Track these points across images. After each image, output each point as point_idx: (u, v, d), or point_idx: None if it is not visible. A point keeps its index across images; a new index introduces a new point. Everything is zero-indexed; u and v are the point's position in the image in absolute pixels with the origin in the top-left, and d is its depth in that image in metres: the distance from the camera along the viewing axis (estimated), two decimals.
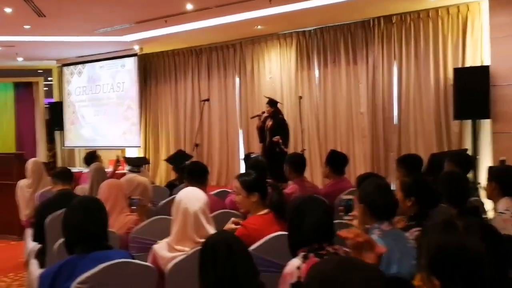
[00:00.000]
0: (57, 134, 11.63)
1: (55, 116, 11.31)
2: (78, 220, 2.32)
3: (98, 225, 2.36)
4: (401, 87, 7.73)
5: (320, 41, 8.52)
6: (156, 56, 10.47)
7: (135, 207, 3.46)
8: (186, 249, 2.48)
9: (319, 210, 2.21)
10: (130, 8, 7.00)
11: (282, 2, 6.91)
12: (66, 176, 4.14)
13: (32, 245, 4.11)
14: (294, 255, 2.18)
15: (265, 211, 2.97)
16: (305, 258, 2.07)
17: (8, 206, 7.02)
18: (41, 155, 11.84)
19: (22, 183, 5.77)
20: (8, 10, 6.65)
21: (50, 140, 11.95)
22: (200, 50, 9.89)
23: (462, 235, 1.31)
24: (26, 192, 5.70)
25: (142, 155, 10.25)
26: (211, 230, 2.51)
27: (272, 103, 7.60)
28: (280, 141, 7.09)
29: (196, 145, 7.97)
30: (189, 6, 6.93)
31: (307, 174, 8.03)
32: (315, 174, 8.39)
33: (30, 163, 5.82)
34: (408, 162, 4.09)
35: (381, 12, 7.69)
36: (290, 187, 4.39)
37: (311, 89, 8.62)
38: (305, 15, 7.59)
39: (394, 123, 7.79)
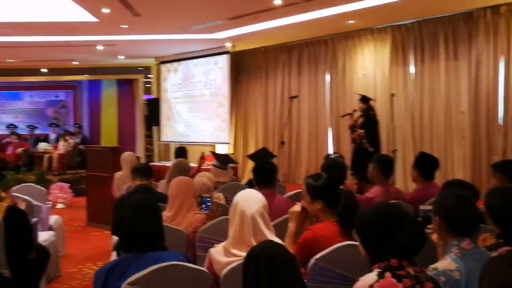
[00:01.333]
0: (154, 129, 12.13)
1: (153, 112, 11.81)
2: (133, 220, 2.28)
3: (153, 225, 2.31)
4: (508, 84, 6.99)
5: (418, 35, 7.99)
6: (248, 53, 10.50)
7: (204, 206, 3.39)
8: (243, 254, 2.33)
9: (411, 227, 1.87)
10: (222, 4, 7.02)
11: None
12: (144, 171, 4.20)
13: (116, 238, 4.24)
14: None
15: (335, 218, 2.74)
16: (380, 276, 1.80)
17: (103, 197, 7.43)
18: (140, 149, 12.46)
19: (118, 174, 5.99)
20: (106, 10, 6.98)
21: (148, 135, 12.51)
22: (291, 47, 9.75)
23: None
24: (121, 183, 5.91)
25: (231, 151, 10.34)
26: (270, 235, 2.35)
27: (364, 99, 7.28)
28: (363, 135, 6.77)
29: (282, 142, 7.83)
30: (277, 2, 6.80)
31: (399, 177, 7.63)
32: (409, 178, 7.87)
33: (124, 156, 6.06)
34: (509, 168, 3.60)
35: (487, 2, 7.00)
36: (372, 191, 4.09)
37: (406, 86, 8.11)
38: (401, 7, 7.14)
39: (499, 123, 7.07)
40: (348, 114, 7.55)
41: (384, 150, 7.82)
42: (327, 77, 9.24)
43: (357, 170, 6.88)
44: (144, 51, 10.65)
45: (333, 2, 6.93)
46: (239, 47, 10.19)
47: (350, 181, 5.74)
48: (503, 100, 7.05)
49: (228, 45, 9.89)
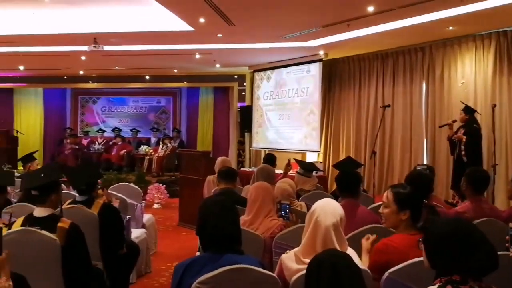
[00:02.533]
0: (246, 135, 12.39)
1: (246, 119, 12.08)
2: (211, 222, 2.36)
3: (230, 227, 2.37)
4: None
5: None
6: (341, 61, 10.39)
7: (283, 212, 3.41)
8: None
9: (483, 248, 1.75)
10: (314, 12, 7.02)
11: None
12: (228, 175, 4.32)
13: None
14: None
15: (414, 232, 2.62)
16: None
17: (194, 198, 7.73)
18: (232, 154, 12.79)
19: (210, 177, 6.18)
20: (202, 20, 7.28)
21: (240, 141, 12.81)
22: (386, 54, 9.49)
23: None
24: (212, 186, 6.09)
25: (321, 160, 10.27)
26: (340, 249, 2.30)
27: (468, 110, 6.94)
28: (464, 139, 6.58)
29: (374, 152, 7.63)
30: (371, 9, 6.67)
31: (499, 193, 7.11)
32: None
33: (219, 160, 6.25)
34: None
35: None
36: (463, 206, 3.87)
37: (511, 96, 7.54)
38: (507, 12, 6.67)
39: None
40: (447, 124, 7.27)
41: (484, 164, 7.36)
42: (424, 86, 8.86)
43: (457, 184, 6.56)
44: (238, 59, 10.95)
45: (432, 8, 6.64)
46: (331, 55, 10.12)
47: (440, 195, 5.48)
48: None
49: (321, 53, 9.86)
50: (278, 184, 4.09)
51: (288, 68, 10.84)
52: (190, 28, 7.85)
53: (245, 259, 2.32)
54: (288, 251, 2.50)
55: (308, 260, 2.33)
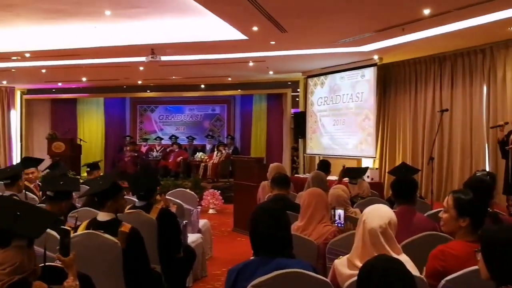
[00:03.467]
0: (300, 141, 12.38)
1: (299, 125, 12.07)
2: (262, 226, 2.41)
3: (280, 233, 2.41)
4: None
5: None
6: (396, 66, 10.20)
7: (337, 219, 3.40)
8: None
9: None
10: (368, 17, 6.96)
11: None
12: (281, 181, 4.36)
13: None
14: None
15: (473, 239, 2.55)
16: None
17: (248, 204, 7.81)
18: (286, 160, 12.81)
19: (265, 183, 6.26)
20: (255, 28, 7.38)
21: (295, 148, 12.81)
22: (444, 57, 9.23)
23: None
24: (266, 192, 6.15)
25: (377, 166, 10.10)
26: (392, 252, 2.28)
27: None
28: None
29: (431, 158, 7.44)
30: (427, 11, 6.52)
31: None
32: None
33: (272, 166, 6.32)
34: None
35: None
36: None
37: None
38: None
39: None
40: (499, 126, 7.02)
41: None
42: (484, 88, 8.55)
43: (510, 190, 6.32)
44: (291, 66, 10.98)
45: (492, 8, 6.41)
46: (386, 59, 9.95)
47: (502, 202, 5.27)
48: None
49: (375, 57, 9.73)
50: (332, 190, 4.08)
51: (342, 73, 10.76)
52: (243, 37, 7.98)
53: (296, 263, 2.35)
54: (341, 256, 2.51)
55: (359, 264, 2.34)
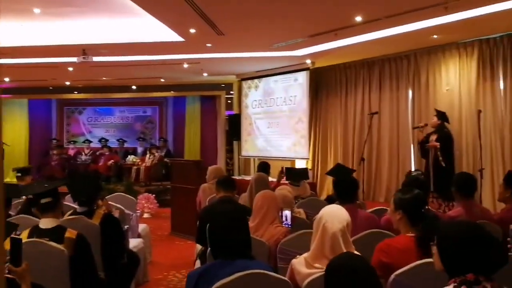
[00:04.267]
0: (235, 144, 12.46)
1: (234, 127, 12.15)
2: (222, 228, 2.43)
3: (240, 235, 2.44)
4: None
5: (508, 49, 7.65)
6: (328, 70, 10.55)
7: (285, 219, 3.49)
8: (324, 267, 2.40)
9: (493, 246, 1.89)
10: (302, 22, 7.15)
11: (460, 8, 6.36)
12: (227, 184, 4.39)
13: (199, 246, 4.46)
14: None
15: (413, 233, 2.74)
16: None
17: (186, 207, 7.77)
18: (221, 163, 12.83)
19: (206, 186, 6.22)
20: (192, 30, 7.36)
21: (229, 150, 12.87)
22: (372, 62, 9.69)
23: None
24: (207, 195, 6.13)
25: (310, 167, 10.39)
26: None
27: (441, 116, 7.21)
28: (438, 146, 6.99)
29: (362, 159, 7.79)
30: (358, 18, 6.83)
31: (487, 197, 7.30)
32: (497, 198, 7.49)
33: (211, 169, 6.31)
34: None
35: None
36: (455, 210, 4.00)
37: (495, 102, 7.77)
38: (489, 21, 6.89)
39: None
40: (420, 127, 7.57)
41: (470, 169, 7.58)
42: (410, 92, 9.07)
43: (438, 187, 6.79)
44: (226, 68, 11.04)
45: (417, 17, 6.82)
46: (318, 64, 10.28)
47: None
48: None
49: (308, 61, 10.01)
50: (279, 191, 4.17)
51: (276, 76, 10.97)
52: (180, 39, 7.93)
53: (257, 264, 2.40)
54: (298, 256, 2.59)
55: (318, 265, 2.43)
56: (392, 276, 2.47)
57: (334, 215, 2.52)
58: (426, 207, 3.23)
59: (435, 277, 2.17)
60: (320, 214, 2.56)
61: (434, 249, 1.98)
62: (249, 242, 2.47)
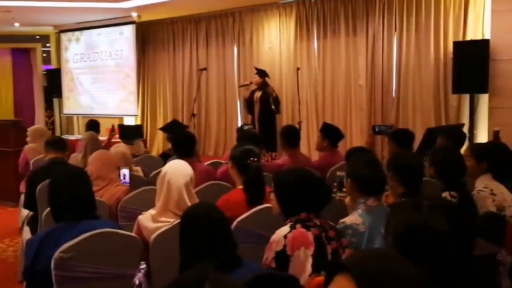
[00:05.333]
0: (55, 101, 11.58)
1: (53, 83, 11.24)
2: (65, 189, 2.33)
3: (84, 194, 2.38)
4: (400, 60, 7.62)
5: (321, 11, 8.37)
6: (155, 24, 10.32)
7: (123, 179, 3.45)
8: (170, 220, 2.49)
9: (321, 188, 2.19)
10: None
11: None
12: (58, 144, 4.14)
13: (25, 212, 4.16)
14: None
15: (241, 187, 2.96)
16: (292, 227, 2.10)
17: (5, 172, 7.09)
18: (40, 122, 11.82)
19: (29, 147, 5.70)
20: None
21: (48, 107, 11.91)
22: (199, 19, 9.75)
23: (426, 214, 1.30)
24: (31, 157, 5.65)
25: (139, 123, 10.23)
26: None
27: (261, 73, 7.62)
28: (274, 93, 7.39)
29: (193, 115, 7.96)
30: None
31: (304, 146, 8.08)
32: (313, 147, 8.36)
33: (33, 129, 5.82)
34: (399, 137, 4.07)
35: None
36: (282, 159, 4.39)
37: (310, 60, 8.52)
38: None
39: (393, 96, 7.73)
40: (245, 85, 7.92)
41: (290, 121, 8.24)
42: (235, 49, 9.41)
43: (263, 140, 7.30)
44: (42, 18, 10.06)
45: None
46: (145, 17, 9.99)
47: None
48: (396, 74, 7.69)
49: (134, 15, 9.66)
50: (116, 149, 4.08)
51: (99, 29, 10.37)
52: None
53: (103, 224, 2.37)
54: (144, 212, 2.62)
55: (164, 219, 2.51)
56: (234, 223, 2.66)
57: (178, 171, 2.60)
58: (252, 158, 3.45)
59: (271, 221, 2.42)
60: (164, 171, 2.61)
61: (272, 195, 2.21)
62: (93, 202, 2.41)
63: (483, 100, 6.61)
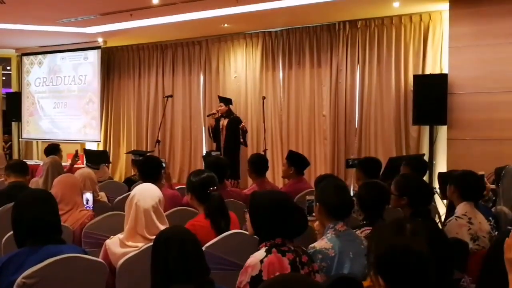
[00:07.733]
0: (14, 125, 11.26)
1: (13, 107, 10.95)
2: (29, 213, 2.25)
3: (49, 218, 2.30)
4: (363, 91, 7.85)
5: (286, 42, 8.57)
6: (121, 50, 10.29)
7: (86, 204, 3.39)
8: (138, 244, 2.44)
9: (298, 214, 2.20)
10: None
11: (249, 1, 6.90)
12: (19, 168, 4.01)
13: None
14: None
15: (203, 214, 2.94)
16: (268, 252, 2.10)
17: None
18: None
19: None
20: None
21: (7, 131, 11.55)
22: (166, 46, 9.78)
23: (409, 238, 1.33)
24: None
25: (101, 149, 10.05)
26: (162, 227, 2.48)
27: (225, 101, 7.71)
28: (245, 129, 7.55)
29: (158, 141, 7.90)
30: (155, 1, 6.84)
31: (269, 174, 8.10)
32: (278, 175, 8.41)
33: None
34: (368, 165, 4.16)
35: (347, 16, 7.78)
36: (250, 188, 4.40)
37: (275, 90, 8.66)
38: (272, 15, 7.61)
39: (355, 126, 7.91)
40: (212, 114, 7.97)
41: (255, 150, 8.31)
42: (201, 77, 9.46)
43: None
44: (4, 41, 9.85)
45: (210, 5, 7.14)
46: (111, 43, 9.95)
47: None
48: (359, 105, 7.90)
49: (100, 40, 9.61)
50: (81, 171, 3.99)
51: (63, 53, 10.24)
52: None
53: (68, 248, 2.30)
54: (112, 236, 2.56)
55: (131, 243, 2.46)
56: (203, 248, 2.63)
57: (146, 193, 2.57)
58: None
59: (239, 246, 2.41)
60: (132, 194, 2.58)
61: (247, 217, 2.20)
62: (59, 225, 2.34)
63: (442, 131, 6.85)
